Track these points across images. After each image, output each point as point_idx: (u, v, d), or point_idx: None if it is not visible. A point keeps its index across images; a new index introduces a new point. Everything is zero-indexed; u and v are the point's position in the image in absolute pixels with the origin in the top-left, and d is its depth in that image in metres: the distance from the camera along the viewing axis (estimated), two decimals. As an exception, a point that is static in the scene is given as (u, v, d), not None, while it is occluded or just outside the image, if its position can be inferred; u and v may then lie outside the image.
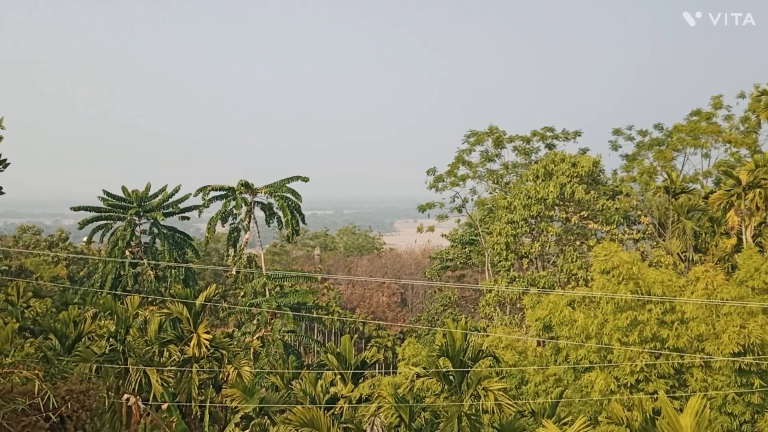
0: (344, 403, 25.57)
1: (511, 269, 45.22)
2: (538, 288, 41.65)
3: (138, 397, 22.68)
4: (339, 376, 27.77)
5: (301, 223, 50.79)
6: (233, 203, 49.37)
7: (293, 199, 49.16)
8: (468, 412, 21.80)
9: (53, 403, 15.05)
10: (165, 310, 28.48)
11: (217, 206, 49.90)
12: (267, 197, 49.76)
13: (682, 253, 42.77)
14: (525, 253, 44.92)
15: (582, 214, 43.30)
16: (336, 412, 25.20)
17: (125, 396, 22.42)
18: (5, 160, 29.31)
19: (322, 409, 23.04)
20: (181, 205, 54.71)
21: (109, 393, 23.69)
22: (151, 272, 52.62)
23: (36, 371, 15.82)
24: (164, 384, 25.04)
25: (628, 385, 24.89)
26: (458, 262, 56.14)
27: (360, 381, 27.97)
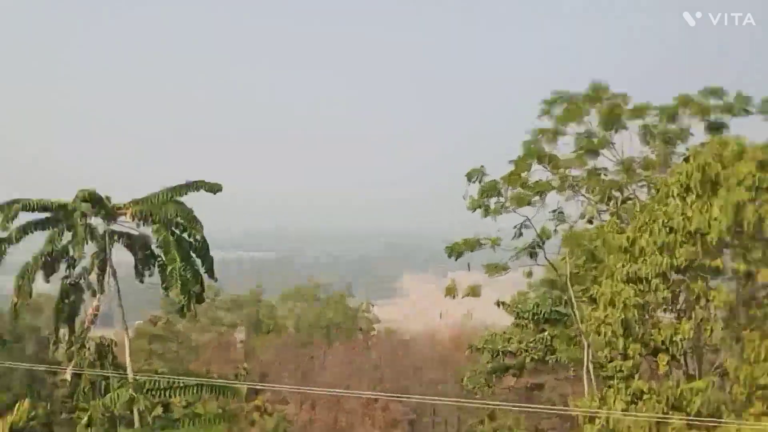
0: None
1: (636, 374, 23.90)
2: (687, 414, 22.00)
3: None
4: None
5: (207, 276, 27.27)
6: (68, 235, 25.52)
7: (189, 227, 25.57)
8: None
9: None
10: None
11: (37, 241, 25.73)
12: (138, 224, 26.00)
13: None
14: (662, 342, 23.98)
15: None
16: None
17: None
18: None
19: None
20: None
21: None
22: None
23: None
24: None
25: None
26: (529, 358, 33.20)
27: None
